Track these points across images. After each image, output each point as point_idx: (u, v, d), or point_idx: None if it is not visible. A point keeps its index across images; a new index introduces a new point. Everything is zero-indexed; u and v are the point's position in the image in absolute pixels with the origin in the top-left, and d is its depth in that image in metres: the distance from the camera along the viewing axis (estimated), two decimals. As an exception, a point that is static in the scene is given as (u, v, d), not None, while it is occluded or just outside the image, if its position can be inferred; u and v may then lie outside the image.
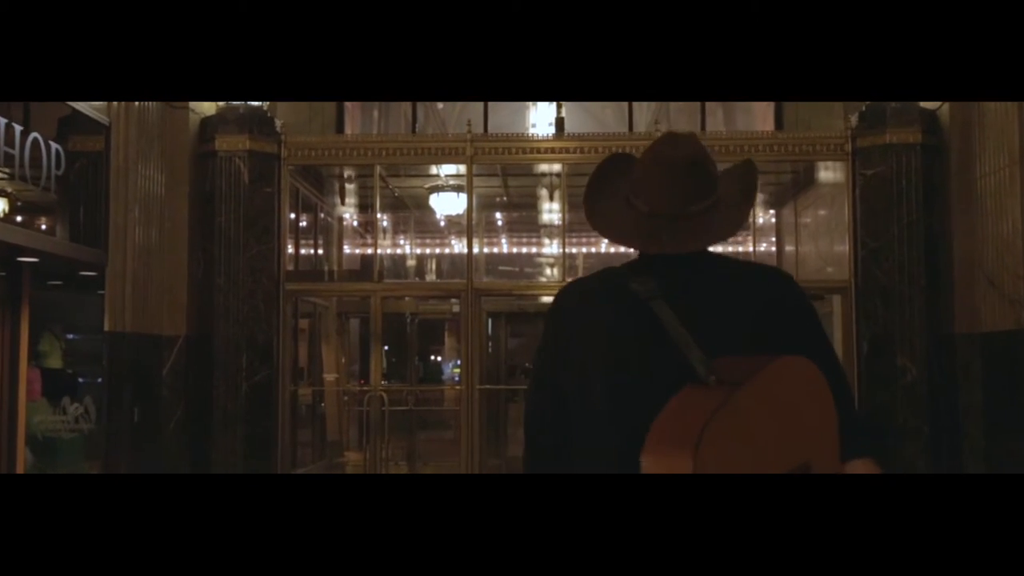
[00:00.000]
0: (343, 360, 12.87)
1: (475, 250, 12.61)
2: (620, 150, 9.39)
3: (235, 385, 9.30)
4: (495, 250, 15.27)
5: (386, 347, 12.54)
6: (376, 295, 9.72)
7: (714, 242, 1.81)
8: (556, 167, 10.09)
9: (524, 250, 15.04)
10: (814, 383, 1.62)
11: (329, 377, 12.21)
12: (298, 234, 10.92)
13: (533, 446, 1.93)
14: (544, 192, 11.14)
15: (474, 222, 12.70)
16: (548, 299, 9.32)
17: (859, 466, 1.70)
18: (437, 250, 15.27)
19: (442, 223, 13.13)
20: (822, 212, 10.92)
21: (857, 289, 9.35)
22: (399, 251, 14.34)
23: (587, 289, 1.93)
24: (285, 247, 9.67)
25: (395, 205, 12.43)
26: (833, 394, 1.65)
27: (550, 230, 11.53)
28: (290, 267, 10.37)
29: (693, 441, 1.42)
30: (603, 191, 1.91)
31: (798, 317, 1.81)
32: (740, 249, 14.93)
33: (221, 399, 9.26)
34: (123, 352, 8.29)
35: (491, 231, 14.08)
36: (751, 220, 10.75)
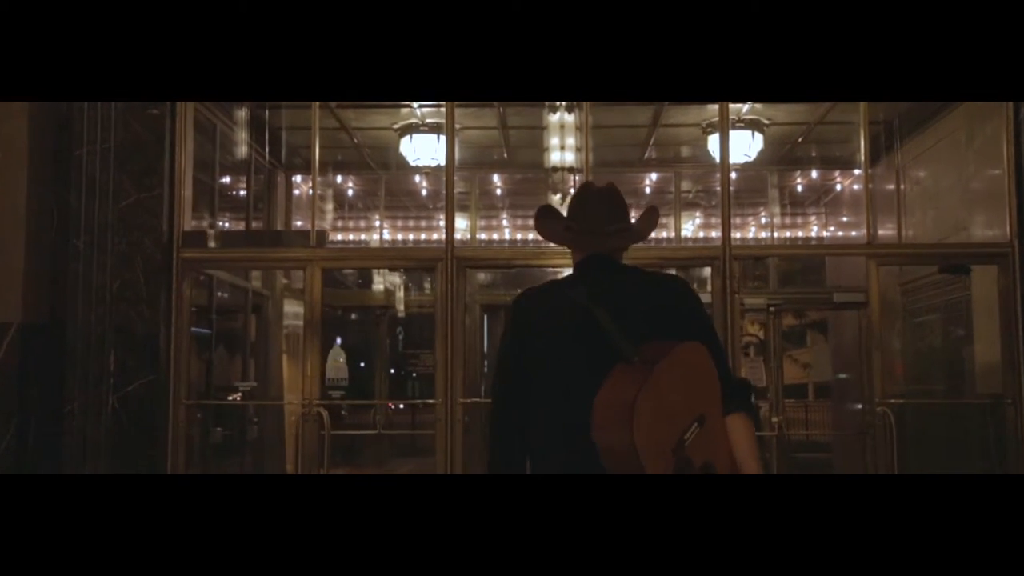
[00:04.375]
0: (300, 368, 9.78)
1: (470, 235, 9.64)
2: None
3: (99, 398, 6.25)
4: (495, 236, 12.16)
5: (342, 358, 9.44)
6: (313, 266, 6.63)
7: (615, 247, 2.50)
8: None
9: (532, 236, 11.86)
10: (704, 361, 2.28)
11: (290, 391, 9.16)
12: (216, 184, 7.88)
13: (502, 423, 2.45)
14: (555, 138, 8.04)
15: (465, 190, 9.78)
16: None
17: (736, 418, 2.33)
18: (424, 235, 12.21)
19: (424, 191, 10.08)
20: (940, 166, 7.84)
21: (1023, 256, 6.27)
22: (375, 235, 11.27)
23: (538, 296, 2.52)
24: (181, 197, 6.61)
25: (356, 162, 9.39)
26: (716, 367, 2.30)
27: (560, 179, 8.42)
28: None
29: (630, 405, 2.06)
30: (547, 223, 2.59)
31: (692, 313, 2.43)
32: (800, 234, 11.84)
33: (77, 419, 6.23)
34: None
35: (489, 207, 11.00)
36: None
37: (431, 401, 6.64)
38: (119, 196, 6.37)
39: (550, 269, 6.66)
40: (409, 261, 7.44)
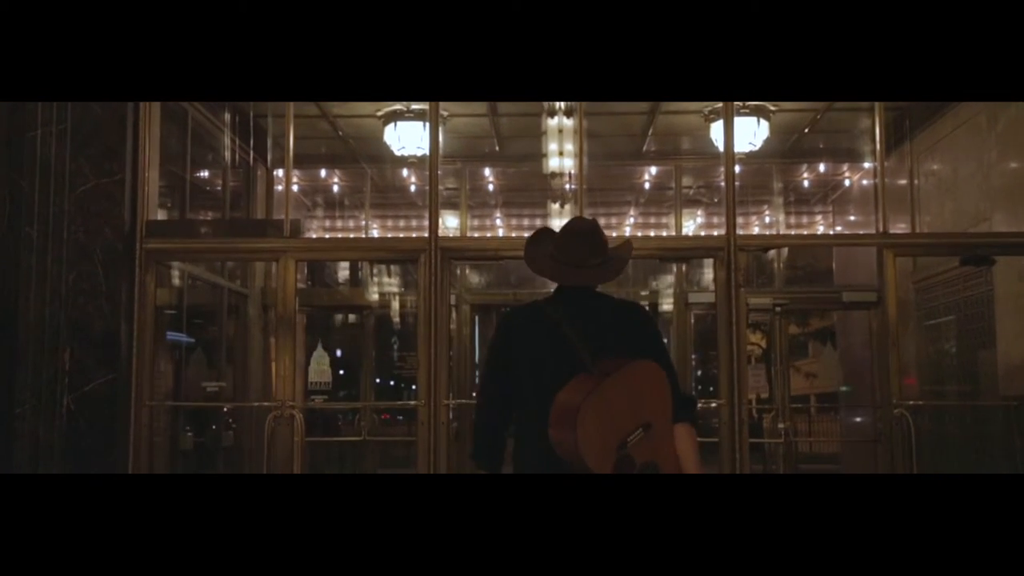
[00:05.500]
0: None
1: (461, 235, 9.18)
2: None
3: (53, 398, 5.78)
4: (488, 236, 11.65)
5: (326, 361, 8.94)
6: (286, 257, 6.17)
7: (596, 283, 2.88)
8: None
9: (528, 234, 11.32)
10: (655, 377, 2.69)
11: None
12: (188, 177, 7.41)
13: (485, 407, 2.92)
14: (554, 143, 7.58)
15: (455, 186, 9.33)
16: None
17: (681, 427, 2.76)
18: (415, 236, 11.68)
19: (412, 186, 9.61)
20: (959, 154, 7.37)
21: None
22: (363, 235, 10.76)
23: (522, 315, 2.95)
24: (146, 183, 6.16)
25: (340, 154, 8.93)
26: (668, 382, 2.72)
27: (559, 185, 7.96)
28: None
29: (576, 409, 2.50)
30: (536, 250, 2.92)
31: (650, 335, 2.88)
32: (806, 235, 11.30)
33: (28, 422, 5.77)
34: None
35: (481, 205, 10.53)
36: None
37: (413, 403, 6.14)
38: (76, 181, 5.92)
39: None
40: (390, 253, 6.97)
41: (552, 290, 2.89)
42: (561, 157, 7.62)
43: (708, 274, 9.00)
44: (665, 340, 3.10)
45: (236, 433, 8.16)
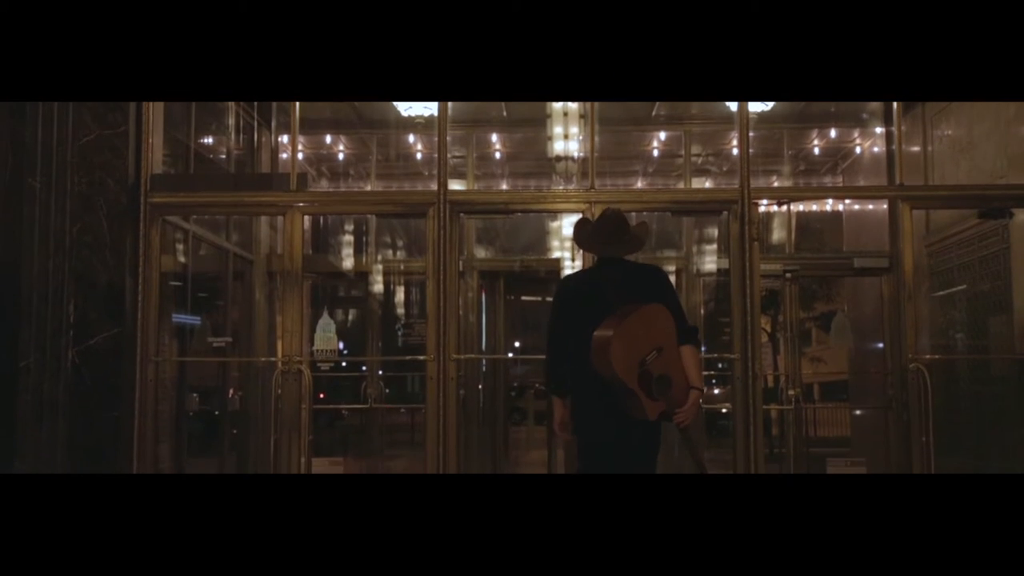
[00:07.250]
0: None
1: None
2: None
3: (57, 353, 5.72)
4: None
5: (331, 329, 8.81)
6: (293, 211, 6.08)
7: (624, 253, 4.01)
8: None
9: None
10: (662, 313, 3.78)
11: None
12: (191, 143, 7.30)
13: (554, 346, 4.00)
14: (559, 127, 7.50)
15: (462, 154, 9.23)
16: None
17: (685, 348, 3.84)
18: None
19: (418, 154, 9.49)
20: (975, 112, 7.25)
21: (1073, 197, 5.69)
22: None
23: (575, 279, 4.42)
24: (150, 136, 6.06)
25: (345, 119, 8.82)
26: (673, 318, 3.82)
27: (564, 168, 7.84)
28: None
29: (609, 341, 3.60)
30: (580, 233, 4.21)
31: (660, 284, 4.01)
32: (815, 207, 11.16)
33: (33, 376, 5.71)
34: None
35: (487, 174, 10.40)
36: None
37: (422, 358, 6.06)
38: (79, 132, 5.84)
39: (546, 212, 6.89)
40: (398, 206, 6.86)
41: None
42: (566, 140, 7.51)
43: (715, 260, 8.91)
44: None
45: (242, 399, 8.08)
